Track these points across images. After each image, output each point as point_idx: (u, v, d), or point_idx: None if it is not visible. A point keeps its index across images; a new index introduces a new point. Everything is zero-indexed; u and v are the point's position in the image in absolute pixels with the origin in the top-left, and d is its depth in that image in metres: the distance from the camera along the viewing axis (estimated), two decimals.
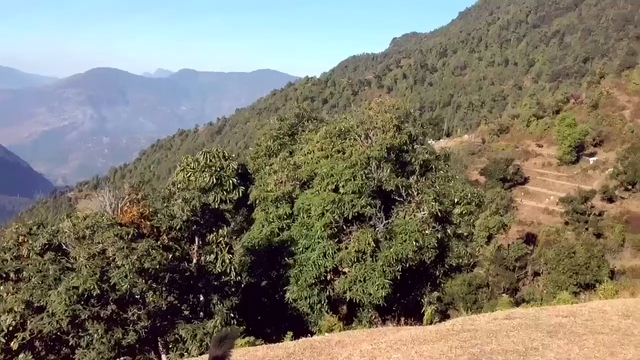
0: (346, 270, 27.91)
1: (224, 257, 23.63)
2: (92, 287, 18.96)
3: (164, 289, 21.52)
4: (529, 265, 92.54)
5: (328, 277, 28.31)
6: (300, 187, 30.59)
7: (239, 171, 31.12)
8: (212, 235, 24.01)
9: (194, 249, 24.50)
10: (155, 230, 23.10)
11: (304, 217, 28.43)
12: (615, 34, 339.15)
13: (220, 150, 30.07)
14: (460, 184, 32.24)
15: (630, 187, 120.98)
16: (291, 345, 15.18)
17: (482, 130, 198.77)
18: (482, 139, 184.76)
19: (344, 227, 27.84)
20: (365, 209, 26.87)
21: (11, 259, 22.00)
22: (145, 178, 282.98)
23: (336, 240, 27.61)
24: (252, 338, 21.95)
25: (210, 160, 29.02)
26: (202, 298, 24.51)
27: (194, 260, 24.23)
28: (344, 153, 29.92)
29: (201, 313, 23.98)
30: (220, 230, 24.22)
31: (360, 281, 26.31)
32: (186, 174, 28.44)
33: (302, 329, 25.32)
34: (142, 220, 23.01)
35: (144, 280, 20.41)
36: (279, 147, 34.73)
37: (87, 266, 19.73)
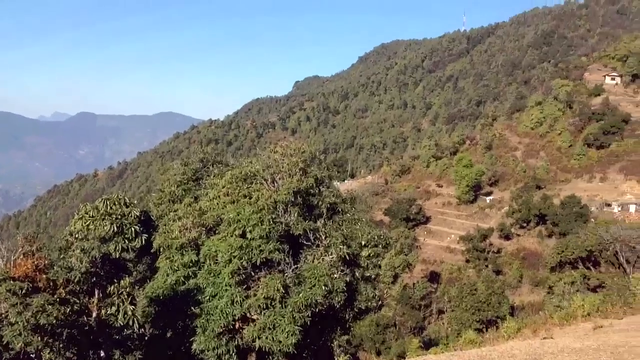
0: (255, 317, 27.24)
1: (126, 309, 22.53)
2: None
3: (61, 345, 20.20)
4: (433, 303, 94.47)
5: (236, 326, 27.52)
6: (206, 233, 29.85)
7: (142, 218, 29.96)
8: (113, 287, 22.87)
9: (93, 301, 23.24)
10: (51, 283, 21.75)
11: (210, 264, 27.65)
12: (505, 79, 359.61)
13: (121, 197, 28.87)
14: (366, 226, 32.44)
15: (524, 224, 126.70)
16: None
17: (384, 171, 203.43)
18: (385, 180, 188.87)
19: (252, 273, 27.27)
20: (274, 254, 26.45)
21: None
22: (42, 225, 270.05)
23: (244, 287, 26.96)
24: None
25: (111, 208, 27.73)
26: (103, 354, 23.18)
27: (94, 314, 22.95)
28: (250, 198, 29.51)
29: None
30: (122, 281, 23.13)
31: (269, 328, 25.72)
32: (85, 223, 26.98)
33: None
34: (37, 273, 21.67)
35: (39, 338, 19.10)
36: (183, 193, 33.93)
37: None
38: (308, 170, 31.52)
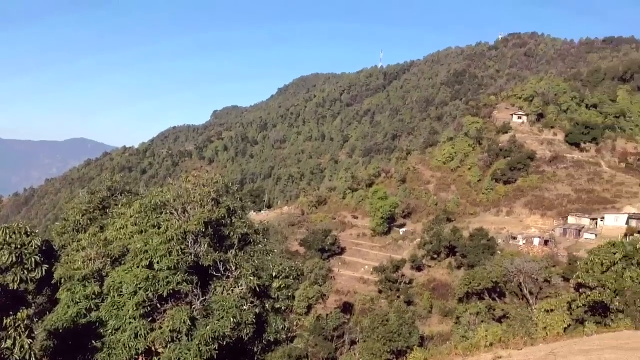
0: (160, 350, 26.46)
1: (23, 342, 21.30)
2: None
3: None
4: (346, 334, 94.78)
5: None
6: (111, 264, 28.85)
7: (43, 248, 28.64)
8: (9, 319, 21.65)
9: None
10: None
11: (114, 296, 26.67)
12: (419, 114, 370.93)
13: (21, 226, 27.54)
14: (278, 257, 32.37)
15: (435, 256, 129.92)
16: None
17: (301, 201, 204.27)
18: (302, 210, 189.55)
19: (159, 305, 26.53)
20: (181, 286, 25.88)
21: None
22: None
23: (149, 319, 26.18)
24: None
25: (10, 237, 26.36)
26: None
27: None
28: (159, 227, 28.82)
29: None
30: (19, 313, 21.93)
31: None
32: None
33: None
34: None
35: None
36: (89, 222, 32.76)
37: None
38: (220, 200, 31.21)
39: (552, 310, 55.53)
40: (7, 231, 26.93)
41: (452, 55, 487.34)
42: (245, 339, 27.04)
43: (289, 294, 32.72)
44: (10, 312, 22.21)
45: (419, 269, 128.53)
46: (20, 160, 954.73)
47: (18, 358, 21.46)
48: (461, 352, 24.45)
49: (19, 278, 25.87)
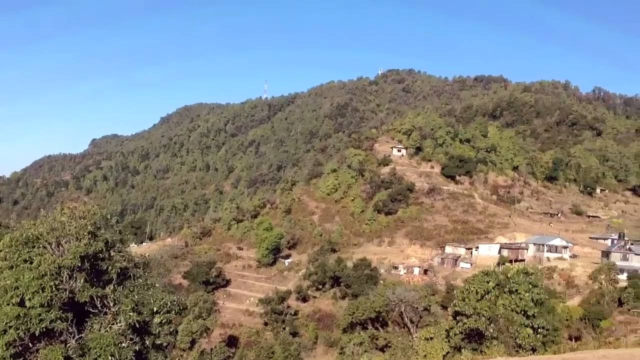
0: None
1: None
2: None
3: None
4: None
5: None
6: None
7: None
8: None
9: None
10: None
11: None
12: (304, 146, 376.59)
13: None
14: (160, 292, 31.51)
15: (320, 286, 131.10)
16: None
17: (185, 233, 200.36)
18: (185, 242, 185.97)
19: (31, 344, 25.06)
20: (56, 324, 24.60)
21: None
22: None
23: (21, 359, 24.69)
24: None
25: None
26: None
27: None
28: (31, 262, 27.34)
29: None
30: None
31: None
32: None
33: None
34: None
35: None
36: None
37: None
38: (98, 233, 30.07)
39: (431, 338, 57.63)
40: None
41: (335, 88, 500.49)
42: None
43: (172, 330, 31.94)
44: None
45: (304, 299, 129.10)
46: None
47: None
48: None
49: None
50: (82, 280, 26.99)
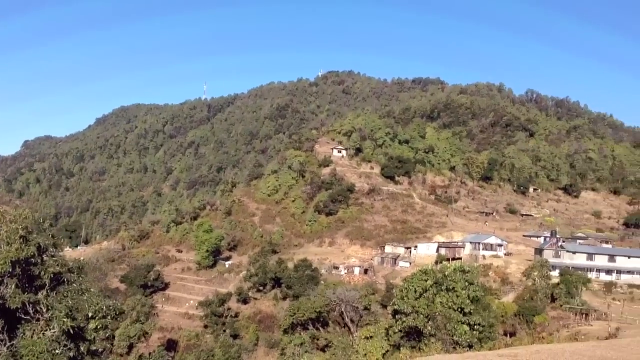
0: None
1: None
2: None
3: None
4: None
5: None
6: None
7: None
8: None
9: None
10: None
11: None
12: (244, 147, 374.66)
13: None
14: (95, 297, 30.80)
15: (261, 288, 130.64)
16: None
17: (122, 236, 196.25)
18: (123, 245, 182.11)
19: None
20: None
21: None
22: None
23: None
24: None
25: None
26: None
27: None
28: None
29: None
30: None
31: None
32: None
33: None
34: None
35: None
36: None
37: None
38: (30, 237, 29.18)
39: (371, 337, 58.30)
40: None
41: (275, 90, 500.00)
42: None
43: (108, 335, 31.23)
44: None
45: (245, 301, 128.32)
46: None
47: None
48: None
49: None
50: (13, 286, 26.19)
